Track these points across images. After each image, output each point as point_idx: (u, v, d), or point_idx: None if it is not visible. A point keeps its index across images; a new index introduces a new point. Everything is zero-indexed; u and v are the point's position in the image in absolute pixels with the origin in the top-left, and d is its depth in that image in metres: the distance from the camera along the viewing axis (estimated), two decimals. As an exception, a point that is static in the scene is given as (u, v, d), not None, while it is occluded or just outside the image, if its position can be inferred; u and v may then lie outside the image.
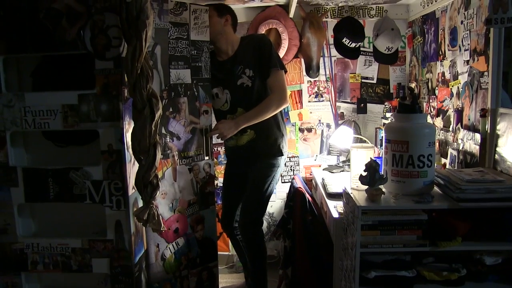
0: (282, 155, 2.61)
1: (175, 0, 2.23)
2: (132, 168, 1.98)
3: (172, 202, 2.30)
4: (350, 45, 3.09)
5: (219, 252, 3.24)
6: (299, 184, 2.83)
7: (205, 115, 2.43)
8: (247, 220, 2.61)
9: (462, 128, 2.26)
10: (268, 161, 2.58)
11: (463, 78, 2.28)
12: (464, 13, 2.25)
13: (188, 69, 2.32)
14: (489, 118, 2.00)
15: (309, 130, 3.31)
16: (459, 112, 2.30)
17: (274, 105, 2.49)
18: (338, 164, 3.18)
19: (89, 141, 2.10)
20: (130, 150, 1.93)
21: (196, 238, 2.45)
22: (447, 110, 2.47)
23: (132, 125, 1.92)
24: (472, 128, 2.16)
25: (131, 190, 1.98)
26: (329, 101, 3.28)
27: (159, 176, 2.08)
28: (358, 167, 2.06)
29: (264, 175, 2.58)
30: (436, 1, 2.59)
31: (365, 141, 2.91)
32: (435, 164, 1.98)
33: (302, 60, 3.18)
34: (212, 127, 2.49)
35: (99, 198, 1.97)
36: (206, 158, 2.46)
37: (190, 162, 2.38)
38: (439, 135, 2.53)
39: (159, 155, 1.94)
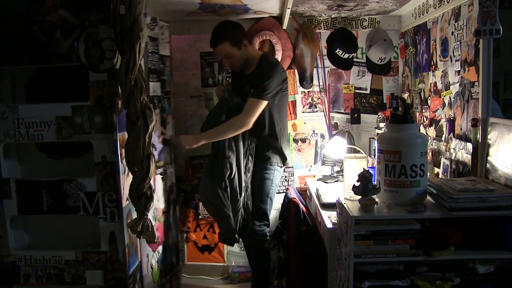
0: (272, 165, 2.70)
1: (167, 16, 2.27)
2: (126, 180, 1.98)
3: (154, 212, 2.34)
4: (343, 56, 3.11)
5: (214, 263, 3.26)
6: (293, 194, 2.83)
7: (168, 125, 2.58)
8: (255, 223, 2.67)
9: (454, 137, 2.28)
10: (264, 165, 2.68)
11: (454, 88, 2.31)
12: (454, 25, 2.28)
13: (159, 82, 2.38)
14: (480, 127, 2.01)
15: (303, 140, 3.32)
16: (451, 122, 2.32)
17: (234, 127, 2.51)
18: (332, 174, 3.18)
19: (83, 153, 2.10)
20: (124, 161, 1.94)
21: (168, 245, 2.53)
22: (440, 120, 2.49)
23: (126, 136, 1.93)
24: (464, 138, 2.18)
25: (125, 201, 1.98)
26: (323, 111, 3.30)
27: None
28: (352, 178, 2.06)
29: (260, 178, 2.66)
30: (427, 13, 2.62)
31: (359, 151, 2.92)
32: (428, 174, 1.99)
33: (296, 71, 3.20)
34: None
35: (93, 209, 1.97)
36: (171, 166, 2.61)
37: (163, 172, 2.48)
38: (431, 144, 2.55)
39: (153, 167, 1.95)
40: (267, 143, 2.66)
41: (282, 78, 2.62)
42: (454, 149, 2.26)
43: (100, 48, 1.90)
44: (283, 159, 2.73)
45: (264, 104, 2.53)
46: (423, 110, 2.75)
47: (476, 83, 2.06)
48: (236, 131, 2.52)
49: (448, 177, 2.28)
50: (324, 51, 3.22)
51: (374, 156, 2.56)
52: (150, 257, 2.28)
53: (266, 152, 2.67)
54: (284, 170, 3.26)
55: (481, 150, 2.01)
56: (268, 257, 2.76)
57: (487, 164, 1.97)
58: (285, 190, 3.18)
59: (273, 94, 2.55)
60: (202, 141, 2.50)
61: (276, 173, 2.72)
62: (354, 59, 3.21)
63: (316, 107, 3.30)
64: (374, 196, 1.85)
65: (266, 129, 2.64)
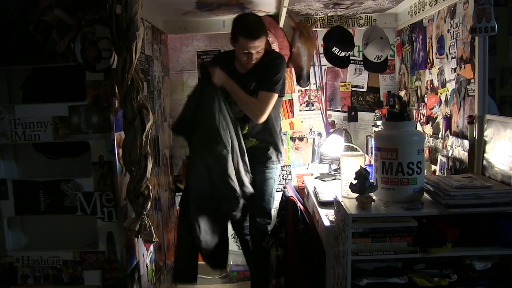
0: (273, 164, 2.69)
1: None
2: (124, 179, 1.98)
3: None
4: (340, 54, 3.12)
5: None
6: (290, 193, 2.84)
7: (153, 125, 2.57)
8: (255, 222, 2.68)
9: (451, 134, 2.29)
10: (265, 165, 2.67)
11: (450, 86, 2.31)
12: (450, 22, 2.29)
13: (146, 82, 2.38)
14: (476, 124, 2.02)
15: (301, 139, 3.33)
16: (448, 119, 2.33)
17: (252, 109, 2.52)
18: (330, 172, 3.19)
19: (80, 153, 2.10)
20: (121, 161, 1.93)
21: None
22: (436, 117, 2.50)
23: (123, 136, 1.92)
24: (460, 135, 2.19)
25: (123, 201, 1.98)
26: (320, 109, 3.31)
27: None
28: (349, 175, 2.06)
29: (263, 178, 2.65)
30: (423, 10, 2.63)
31: (356, 149, 2.93)
32: (425, 171, 2.00)
33: (293, 69, 3.20)
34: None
35: (91, 209, 1.96)
36: None
37: None
38: (428, 142, 2.55)
39: (150, 166, 1.95)
40: (267, 142, 2.65)
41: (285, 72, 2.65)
42: (451, 146, 2.26)
43: (97, 48, 1.89)
44: (282, 155, 2.73)
45: (275, 97, 2.53)
46: (420, 108, 2.76)
47: (472, 81, 2.06)
48: (249, 113, 2.53)
49: (445, 174, 2.29)
50: (321, 50, 3.23)
51: (371, 154, 2.57)
52: (145, 256, 2.29)
53: (267, 152, 2.64)
54: (281, 168, 3.27)
55: (477, 147, 2.01)
56: (268, 256, 2.77)
57: (484, 161, 1.98)
58: (283, 189, 3.18)
59: (281, 88, 2.56)
60: (227, 85, 2.48)
61: (277, 171, 2.73)
62: (351, 57, 3.22)
63: (313, 106, 3.30)
64: (371, 194, 1.86)
65: (267, 128, 2.62)
